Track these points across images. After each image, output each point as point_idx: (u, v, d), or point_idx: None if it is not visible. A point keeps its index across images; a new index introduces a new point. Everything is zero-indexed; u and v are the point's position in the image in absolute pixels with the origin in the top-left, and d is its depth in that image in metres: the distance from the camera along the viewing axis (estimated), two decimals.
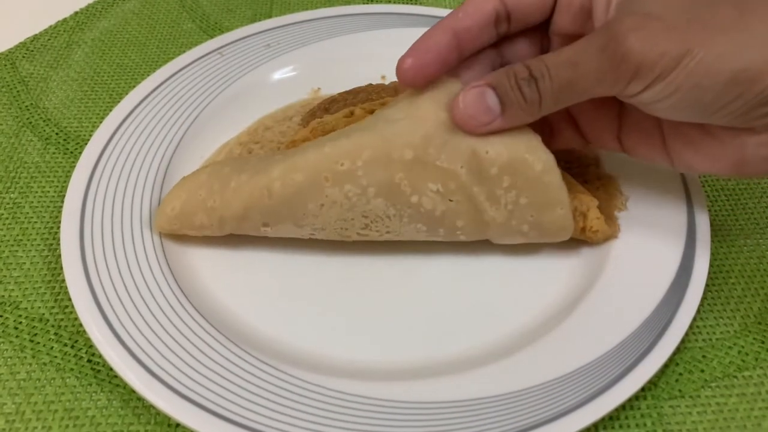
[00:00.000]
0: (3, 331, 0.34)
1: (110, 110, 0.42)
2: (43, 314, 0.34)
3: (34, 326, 0.34)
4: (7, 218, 0.39)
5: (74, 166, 0.39)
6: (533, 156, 0.31)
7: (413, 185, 0.32)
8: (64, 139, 0.44)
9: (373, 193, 0.32)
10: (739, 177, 0.35)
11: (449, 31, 0.31)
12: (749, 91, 0.26)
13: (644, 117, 0.31)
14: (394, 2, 0.55)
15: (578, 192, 0.36)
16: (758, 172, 0.30)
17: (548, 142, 0.32)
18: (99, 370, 0.32)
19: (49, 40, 0.51)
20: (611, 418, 0.31)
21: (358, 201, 0.32)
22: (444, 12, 0.50)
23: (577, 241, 0.37)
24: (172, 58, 0.46)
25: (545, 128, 0.35)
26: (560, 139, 0.35)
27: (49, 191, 0.40)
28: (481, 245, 0.36)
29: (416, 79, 0.32)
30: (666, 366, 0.32)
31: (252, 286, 0.35)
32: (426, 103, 0.32)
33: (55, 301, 0.35)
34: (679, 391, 0.32)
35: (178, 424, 0.30)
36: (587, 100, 0.30)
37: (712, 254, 0.36)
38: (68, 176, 0.40)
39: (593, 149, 0.41)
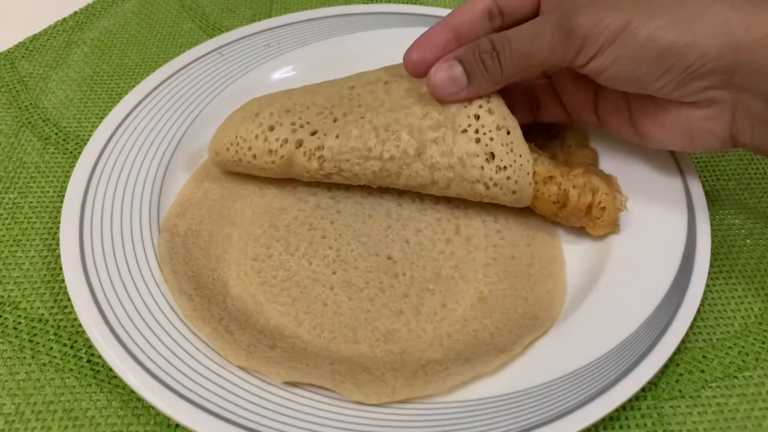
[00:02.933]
0: (2, 332, 0.34)
1: (110, 110, 0.42)
2: (43, 315, 0.34)
3: (33, 327, 0.34)
4: (6, 218, 0.39)
5: (73, 166, 0.39)
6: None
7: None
8: (64, 139, 0.44)
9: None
10: (694, 151, 0.38)
11: (448, 27, 0.35)
12: (678, 64, 0.30)
13: (614, 92, 0.34)
14: (394, 2, 0.55)
15: (589, 173, 0.36)
16: (707, 147, 0.34)
17: (536, 114, 0.38)
18: (98, 371, 0.32)
19: (48, 39, 0.51)
20: (611, 418, 0.31)
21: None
22: (444, 12, 0.50)
23: (577, 241, 0.37)
24: (172, 57, 0.46)
25: (533, 102, 0.39)
26: (546, 112, 0.39)
27: (48, 191, 0.40)
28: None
29: (421, 69, 0.35)
30: (666, 366, 0.32)
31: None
32: None
33: (55, 301, 0.35)
34: (680, 391, 0.32)
35: (177, 425, 0.30)
36: (569, 77, 0.35)
37: (712, 254, 0.36)
38: (67, 176, 0.40)
39: (592, 150, 0.41)
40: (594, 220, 0.35)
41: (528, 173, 0.34)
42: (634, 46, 0.30)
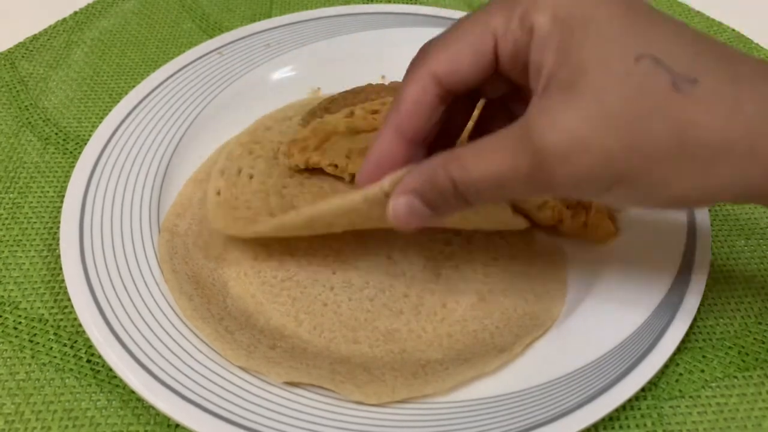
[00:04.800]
0: (2, 332, 0.34)
1: (110, 110, 0.42)
2: (43, 314, 0.34)
3: (33, 326, 0.34)
4: (6, 218, 0.39)
5: (74, 166, 0.39)
6: None
7: None
8: (64, 139, 0.44)
9: None
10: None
11: (398, 136, 0.28)
12: (691, 207, 0.27)
13: None
14: (394, 2, 0.55)
15: None
16: None
17: None
18: (98, 371, 0.32)
19: (48, 40, 0.51)
20: (611, 418, 0.31)
21: None
22: (444, 12, 0.50)
23: (578, 241, 0.37)
24: (172, 57, 0.46)
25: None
26: None
27: (48, 191, 0.40)
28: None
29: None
30: (666, 366, 0.32)
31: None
32: None
33: (55, 301, 0.35)
34: (680, 391, 0.32)
35: (177, 425, 0.30)
36: None
37: (712, 254, 0.36)
38: (68, 176, 0.40)
39: None
40: (591, 235, 0.36)
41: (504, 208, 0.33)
42: (638, 199, 0.26)
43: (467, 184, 0.26)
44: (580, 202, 0.36)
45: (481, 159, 0.25)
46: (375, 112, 0.40)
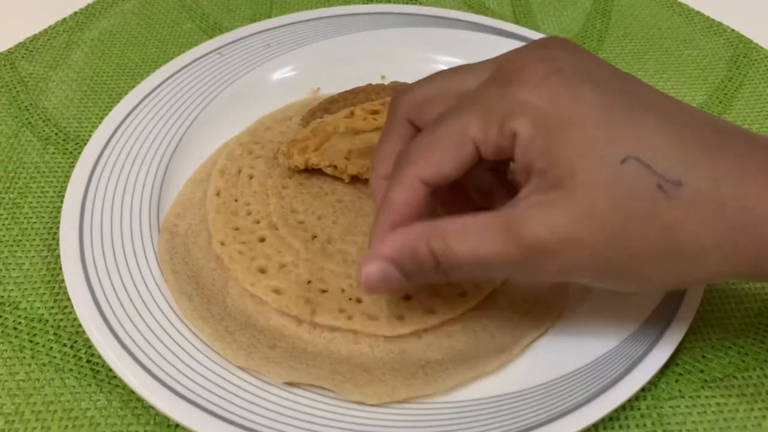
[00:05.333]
0: (2, 332, 0.34)
1: (110, 110, 0.42)
2: (43, 315, 0.34)
3: (33, 327, 0.34)
4: (6, 219, 0.39)
5: (73, 167, 0.39)
6: None
7: None
8: (64, 140, 0.44)
9: None
10: None
11: (392, 228, 0.28)
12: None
13: None
14: (394, 2, 0.55)
15: None
16: None
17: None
18: (98, 371, 0.32)
19: (48, 40, 0.51)
20: (611, 418, 0.31)
21: None
22: (444, 12, 0.50)
23: None
24: (172, 58, 0.46)
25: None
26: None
27: (48, 191, 0.40)
28: None
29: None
30: (666, 366, 0.32)
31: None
32: None
33: (55, 301, 0.35)
34: (679, 391, 0.32)
35: (177, 425, 0.30)
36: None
37: None
38: (67, 176, 0.40)
39: None
40: None
41: None
42: (620, 285, 0.27)
43: (450, 261, 0.26)
44: None
45: (466, 239, 0.26)
46: (375, 112, 0.40)
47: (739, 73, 0.50)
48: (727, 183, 0.24)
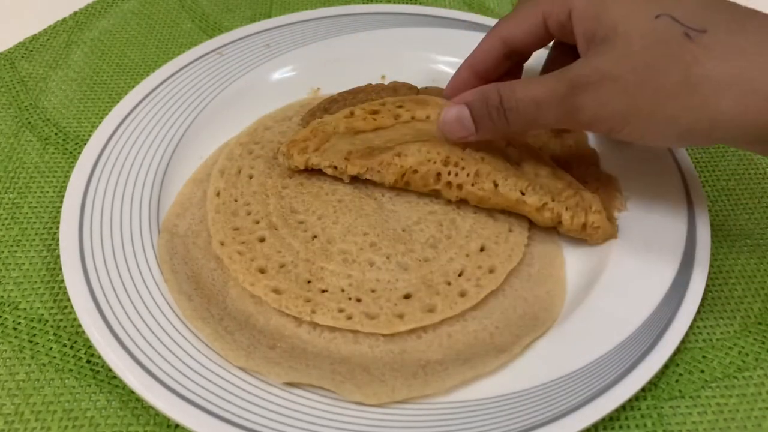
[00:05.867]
0: (2, 332, 0.34)
1: (109, 110, 0.42)
2: (42, 315, 0.34)
3: (33, 327, 0.34)
4: (6, 219, 0.39)
5: (73, 167, 0.39)
6: None
7: None
8: (63, 140, 0.44)
9: None
10: (685, 146, 0.40)
11: (470, 70, 0.38)
12: (699, 143, 0.31)
13: None
14: (394, 2, 0.55)
15: (579, 189, 0.36)
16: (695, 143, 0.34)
17: None
18: (98, 371, 0.32)
19: (48, 40, 0.51)
20: (611, 418, 0.31)
21: None
22: (444, 12, 0.50)
23: (577, 241, 0.37)
24: (172, 57, 0.46)
25: None
26: None
27: (48, 191, 0.40)
28: None
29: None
30: (666, 366, 0.32)
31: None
32: None
33: (54, 301, 0.35)
34: (680, 391, 0.32)
35: (177, 425, 0.30)
36: None
37: (712, 254, 0.36)
38: (67, 176, 0.40)
39: (592, 150, 0.41)
40: (590, 235, 0.36)
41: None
42: (648, 133, 0.30)
43: (511, 100, 0.32)
44: (578, 203, 0.36)
45: (527, 86, 0.32)
46: (375, 112, 0.40)
47: None
48: (749, 35, 0.28)
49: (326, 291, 0.34)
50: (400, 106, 0.40)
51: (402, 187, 0.38)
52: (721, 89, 0.28)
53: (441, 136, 0.36)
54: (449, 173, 0.36)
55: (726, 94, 0.27)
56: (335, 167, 0.38)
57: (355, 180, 0.38)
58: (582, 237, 0.36)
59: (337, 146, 0.38)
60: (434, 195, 0.38)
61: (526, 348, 0.32)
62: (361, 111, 0.40)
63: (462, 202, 0.37)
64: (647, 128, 0.30)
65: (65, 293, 0.34)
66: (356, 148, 0.38)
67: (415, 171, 0.36)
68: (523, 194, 0.35)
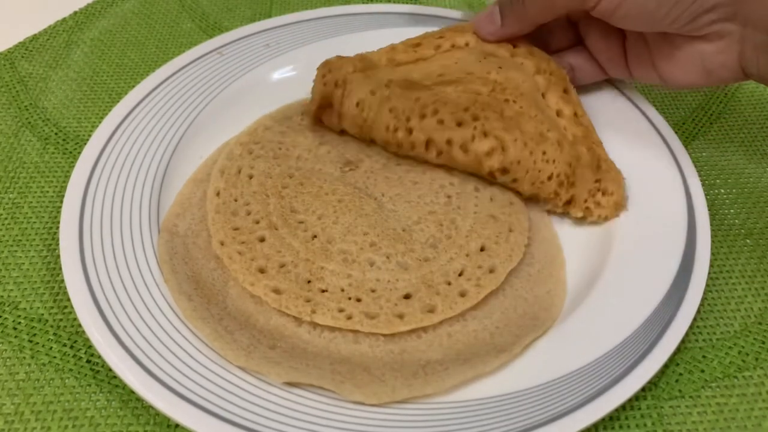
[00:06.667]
0: (2, 332, 0.34)
1: (109, 110, 0.42)
2: (42, 315, 0.34)
3: (33, 327, 0.34)
4: (6, 218, 0.39)
5: (73, 166, 0.39)
6: None
7: None
8: (63, 139, 0.44)
9: None
10: (711, 85, 0.40)
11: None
12: (686, 19, 0.33)
13: (637, 41, 0.39)
14: (394, 2, 0.55)
15: (600, 158, 0.39)
16: (722, 80, 0.37)
17: (573, 78, 0.42)
18: (98, 371, 0.32)
19: (48, 39, 0.51)
20: (611, 418, 0.31)
21: None
22: (444, 12, 0.50)
23: (578, 241, 0.37)
24: (172, 57, 0.46)
25: (568, 67, 0.43)
26: (583, 74, 0.43)
27: (48, 191, 0.40)
28: None
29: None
30: (666, 366, 0.32)
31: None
32: None
33: (54, 301, 0.35)
34: (680, 391, 0.32)
35: (177, 425, 0.30)
36: (601, 37, 0.41)
37: (712, 254, 0.36)
38: (67, 176, 0.40)
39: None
40: (601, 205, 0.37)
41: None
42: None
43: None
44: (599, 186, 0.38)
45: None
46: (417, 45, 0.42)
47: None
48: None
49: (326, 291, 0.34)
50: (441, 37, 0.42)
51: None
52: None
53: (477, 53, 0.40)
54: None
55: None
56: (357, 104, 0.39)
57: (355, 180, 0.38)
58: (591, 207, 0.38)
59: (377, 76, 0.39)
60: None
61: (526, 348, 0.32)
62: (403, 45, 0.42)
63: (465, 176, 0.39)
64: (651, 13, 0.33)
65: (65, 293, 0.34)
66: (396, 78, 0.39)
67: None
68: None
